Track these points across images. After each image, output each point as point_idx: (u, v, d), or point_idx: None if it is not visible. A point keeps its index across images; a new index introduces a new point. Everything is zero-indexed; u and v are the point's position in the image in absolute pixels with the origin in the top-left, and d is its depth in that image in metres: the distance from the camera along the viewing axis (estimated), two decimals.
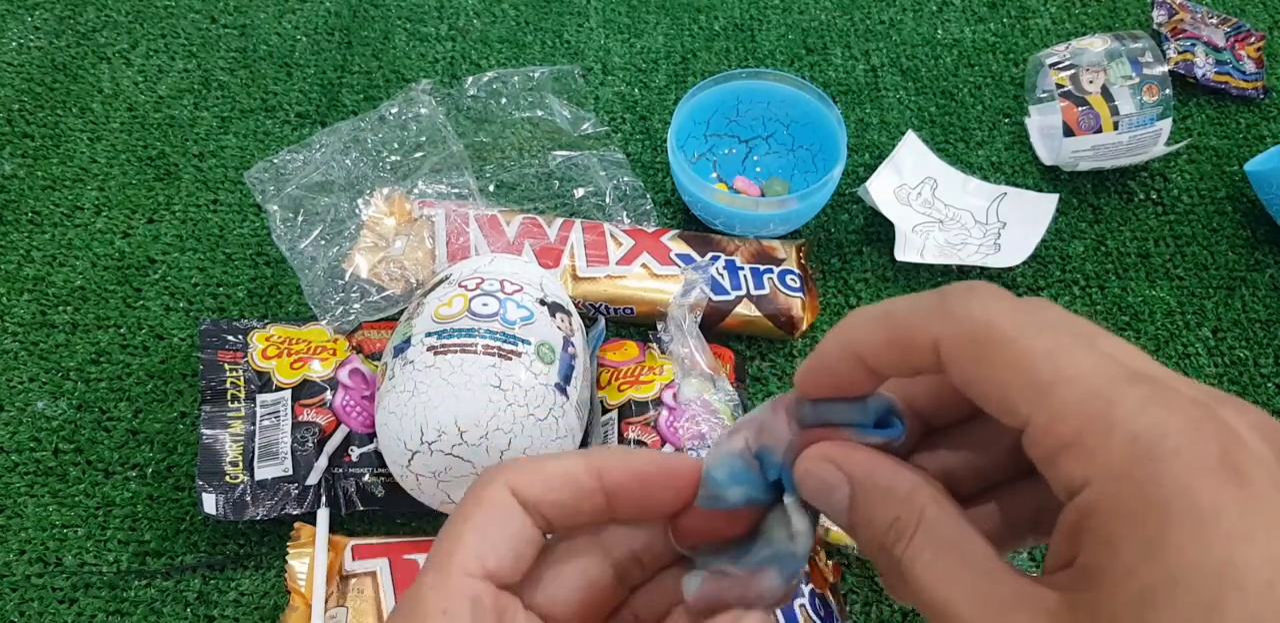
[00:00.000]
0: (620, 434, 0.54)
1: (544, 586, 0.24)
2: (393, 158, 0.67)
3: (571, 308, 0.56)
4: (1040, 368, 0.18)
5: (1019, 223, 0.68)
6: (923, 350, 0.19)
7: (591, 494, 0.23)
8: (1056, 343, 0.18)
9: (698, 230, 0.66)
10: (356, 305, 0.60)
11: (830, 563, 0.53)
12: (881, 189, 0.67)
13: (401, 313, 0.57)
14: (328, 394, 0.56)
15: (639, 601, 0.25)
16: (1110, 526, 0.17)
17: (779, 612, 0.49)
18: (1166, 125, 0.69)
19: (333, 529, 0.52)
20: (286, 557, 0.50)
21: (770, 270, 0.63)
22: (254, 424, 0.55)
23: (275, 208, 0.64)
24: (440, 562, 0.22)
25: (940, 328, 0.19)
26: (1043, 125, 0.74)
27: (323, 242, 0.63)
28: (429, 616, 0.21)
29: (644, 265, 0.62)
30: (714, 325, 0.62)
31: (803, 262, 0.65)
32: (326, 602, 0.49)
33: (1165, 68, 0.68)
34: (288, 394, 0.56)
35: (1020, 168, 0.73)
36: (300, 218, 0.64)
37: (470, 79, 0.72)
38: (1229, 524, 0.16)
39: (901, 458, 0.22)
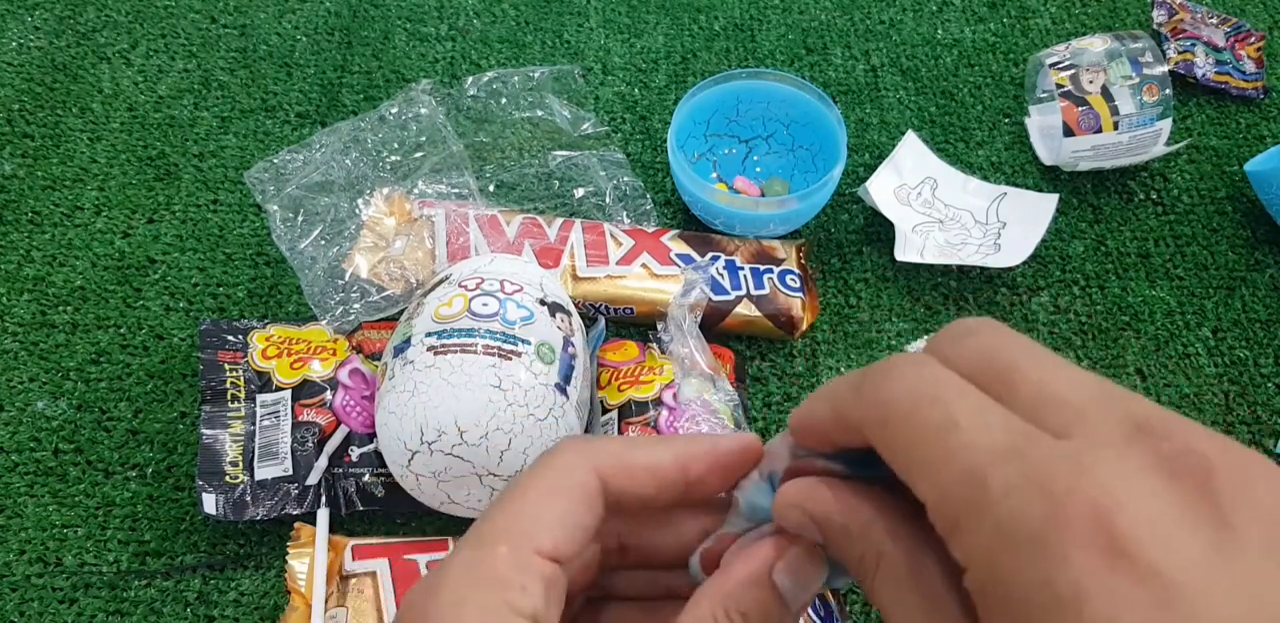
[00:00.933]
0: (620, 434, 0.54)
1: None
2: (393, 158, 0.67)
3: (571, 308, 0.56)
4: (929, 449, 0.17)
5: (1019, 223, 0.68)
6: (858, 434, 0.20)
7: (675, 486, 0.24)
8: (947, 417, 0.18)
9: (698, 230, 0.66)
10: (356, 305, 0.60)
11: None
12: (881, 189, 0.67)
13: (401, 313, 0.57)
14: (328, 394, 0.56)
15: (613, 581, 0.26)
16: (985, 614, 0.16)
17: None
18: (1166, 125, 0.69)
19: (333, 529, 0.52)
20: (286, 557, 0.50)
21: (770, 270, 0.63)
22: (254, 424, 0.55)
23: (275, 208, 0.64)
24: (515, 533, 0.22)
25: (860, 414, 0.19)
26: (1043, 125, 0.74)
27: (323, 242, 0.63)
28: (508, 588, 0.21)
29: (644, 265, 0.62)
30: (714, 325, 0.62)
31: (803, 262, 0.65)
32: (326, 602, 0.49)
33: (1165, 68, 0.68)
34: (288, 394, 0.56)
35: (1020, 168, 0.73)
36: (300, 218, 0.64)
37: (470, 79, 0.72)
38: (1095, 613, 0.14)
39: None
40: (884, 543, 0.20)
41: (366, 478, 0.54)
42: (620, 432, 0.54)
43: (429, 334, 0.51)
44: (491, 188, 0.69)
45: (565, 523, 0.22)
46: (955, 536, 0.17)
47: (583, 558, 0.25)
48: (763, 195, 0.69)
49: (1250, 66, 0.78)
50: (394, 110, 0.69)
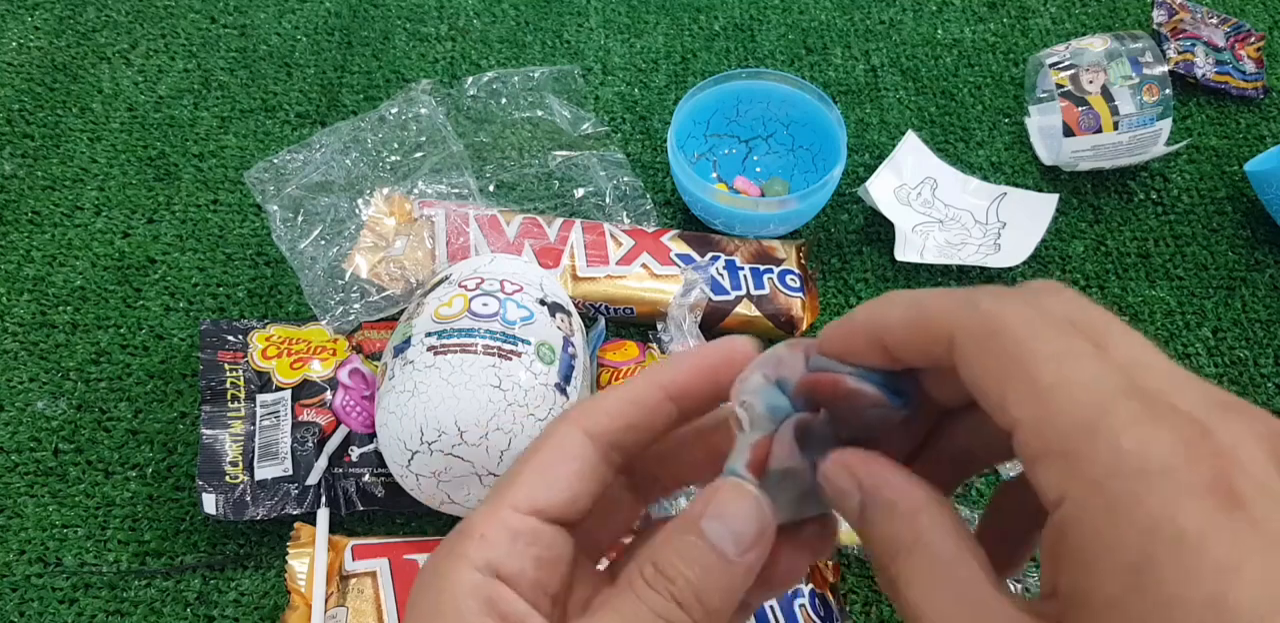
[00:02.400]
0: None
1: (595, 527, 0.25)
2: (393, 158, 0.67)
3: (571, 308, 0.56)
4: (1041, 371, 0.17)
5: (1019, 223, 0.68)
6: (939, 340, 0.20)
7: (661, 406, 0.24)
8: (1066, 347, 0.18)
9: (698, 230, 0.66)
10: (356, 305, 0.60)
11: (830, 563, 0.53)
12: (881, 189, 0.67)
13: (401, 313, 0.57)
14: (328, 394, 0.56)
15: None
16: (1090, 547, 0.16)
17: (779, 613, 0.49)
18: (1166, 125, 0.69)
19: (333, 529, 0.52)
20: (286, 557, 0.50)
21: (770, 270, 0.63)
22: (254, 424, 0.55)
23: (275, 208, 0.64)
24: (493, 497, 0.23)
25: (959, 319, 0.19)
26: (1043, 125, 0.74)
27: (323, 242, 0.63)
28: (469, 538, 0.22)
29: (644, 265, 0.62)
30: (714, 325, 0.62)
31: (803, 262, 0.65)
32: (326, 602, 0.49)
33: (1165, 68, 0.68)
34: (288, 394, 0.56)
35: (1020, 168, 0.73)
36: (300, 218, 0.64)
37: (470, 79, 0.72)
38: (1218, 554, 0.15)
39: (915, 441, 0.22)
40: (927, 525, 0.19)
41: (366, 478, 0.54)
42: None
43: (429, 334, 0.51)
44: (491, 188, 0.69)
45: (542, 477, 0.23)
46: (1054, 460, 0.17)
47: (612, 506, 0.25)
48: (763, 195, 0.69)
49: (1250, 66, 0.78)
50: (394, 110, 0.69)
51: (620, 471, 0.25)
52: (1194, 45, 0.78)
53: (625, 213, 0.67)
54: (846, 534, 0.52)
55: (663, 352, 0.58)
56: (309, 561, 0.50)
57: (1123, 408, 0.16)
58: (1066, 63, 0.69)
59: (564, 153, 0.70)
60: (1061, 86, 0.68)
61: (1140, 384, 0.17)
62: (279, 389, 0.56)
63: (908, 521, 0.20)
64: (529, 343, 0.50)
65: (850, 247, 0.69)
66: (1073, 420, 0.17)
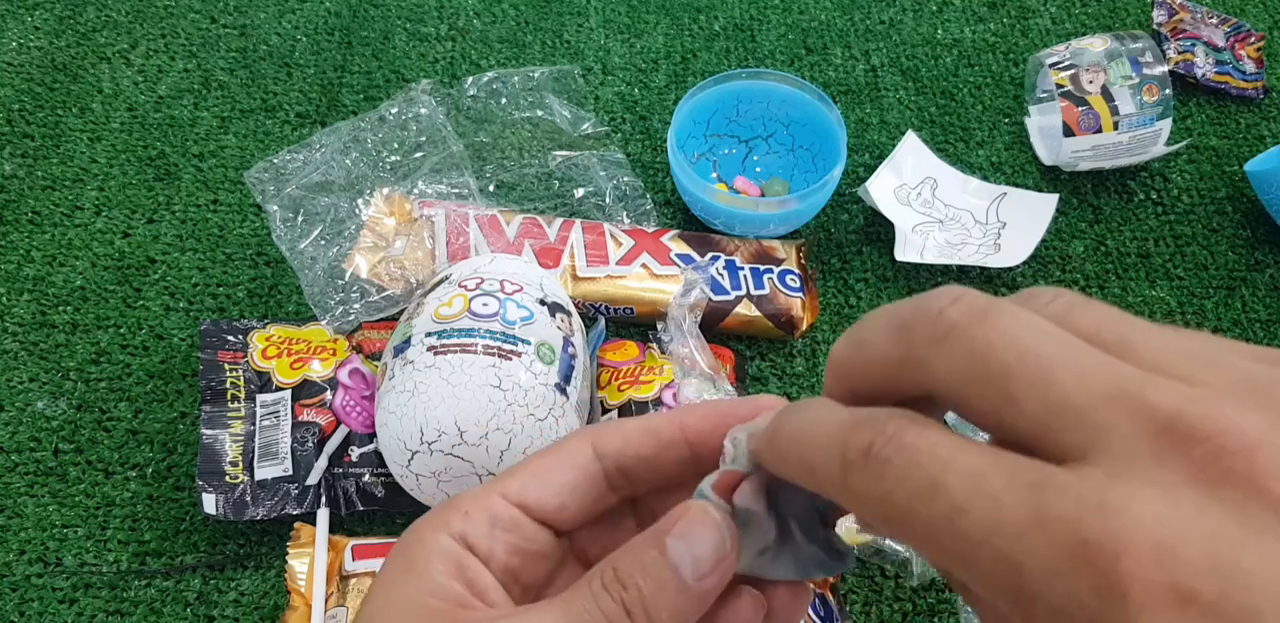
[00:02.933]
0: None
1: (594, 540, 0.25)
2: (393, 158, 0.67)
3: (571, 308, 0.56)
4: (947, 544, 0.15)
5: (1019, 223, 0.68)
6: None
7: (674, 445, 0.24)
8: (951, 501, 0.15)
9: (698, 230, 0.66)
10: (356, 305, 0.60)
11: None
12: (881, 189, 0.67)
13: (401, 313, 0.57)
14: (328, 394, 0.56)
15: None
16: None
17: None
18: (1166, 125, 0.69)
19: (333, 529, 0.52)
20: (286, 557, 0.50)
21: (770, 270, 0.63)
22: (254, 424, 0.55)
23: (275, 208, 0.64)
24: (489, 483, 0.24)
25: (852, 492, 0.17)
26: (1043, 125, 0.74)
27: (323, 242, 0.63)
28: (454, 511, 0.23)
29: (644, 265, 0.62)
30: (714, 325, 0.62)
31: (803, 262, 0.65)
32: (326, 602, 0.49)
33: (1165, 68, 0.68)
34: (288, 394, 0.56)
35: (1020, 168, 0.73)
36: (300, 218, 0.64)
37: (470, 79, 0.72)
38: None
39: None
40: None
41: (366, 478, 0.54)
42: None
43: (429, 334, 0.51)
44: (491, 188, 0.69)
45: (538, 477, 0.24)
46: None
47: (614, 529, 0.25)
48: (763, 195, 0.69)
49: (1250, 66, 0.78)
50: (394, 110, 0.69)
51: (627, 498, 0.25)
52: (1194, 45, 0.78)
53: (625, 213, 0.67)
54: (848, 533, 0.53)
55: (663, 352, 0.58)
56: (309, 561, 0.50)
57: (1033, 562, 0.14)
58: (1066, 63, 0.69)
59: (564, 153, 0.70)
60: (1061, 86, 0.68)
61: (1044, 468, 0.15)
62: (279, 389, 0.56)
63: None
64: (529, 343, 0.50)
65: (850, 247, 0.69)
66: (1003, 595, 0.15)
